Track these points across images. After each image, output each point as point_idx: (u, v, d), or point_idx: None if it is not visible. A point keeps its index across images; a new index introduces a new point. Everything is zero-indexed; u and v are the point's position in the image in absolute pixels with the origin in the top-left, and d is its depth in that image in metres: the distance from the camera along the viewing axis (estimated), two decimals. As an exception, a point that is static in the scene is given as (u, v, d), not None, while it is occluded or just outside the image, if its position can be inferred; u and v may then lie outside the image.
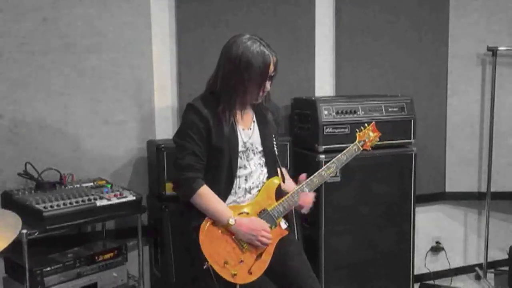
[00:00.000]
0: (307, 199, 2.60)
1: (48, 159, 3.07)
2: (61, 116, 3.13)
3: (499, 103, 4.03)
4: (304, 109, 3.46)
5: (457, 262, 4.38)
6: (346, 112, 3.39)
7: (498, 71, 3.98)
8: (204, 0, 3.41)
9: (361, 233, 3.49)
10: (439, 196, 4.21)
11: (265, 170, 2.59)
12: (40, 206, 2.65)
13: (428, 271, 4.24)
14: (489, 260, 4.24)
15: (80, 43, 3.13)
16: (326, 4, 3.79)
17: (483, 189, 4.15)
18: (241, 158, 2.51)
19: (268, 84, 2.50)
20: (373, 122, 2.86)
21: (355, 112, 3.41)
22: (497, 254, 4.34)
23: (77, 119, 3.17)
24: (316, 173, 2.59)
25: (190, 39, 3.40)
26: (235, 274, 2.40)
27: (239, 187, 2.52)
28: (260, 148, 2.57)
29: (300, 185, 2.56)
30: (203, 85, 3.39)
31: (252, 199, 2.53)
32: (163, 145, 3.10)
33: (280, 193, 2.59)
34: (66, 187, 2.97)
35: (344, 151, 2.69)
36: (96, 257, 2.91)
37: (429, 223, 4.27)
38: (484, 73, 4.08)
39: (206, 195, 2.43)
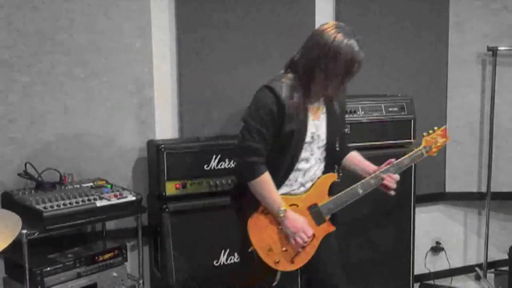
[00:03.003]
0: (391, 183, 2.59)
1: (48, 159, 3.07)
2: (61, 116, 3.12)
3: (499, 103, 4.04)
4: (304, 109, 3.46)
5: (457, 262, 4.38)
6: (346, 112, 3.37)
7: (498, 71, 3.98)
8: (204, 0, 3.41)
9: (361, 233, 3.49)
10: (439, 196, 4.21)
11: (322, 165, 2.57)
12: (40, 206, 2.65)
13: (428, 271, 4.24)
14: (489, 260, 4.25)
15: (80, 43, 3.13)
16: (326, 5, 3.80)
17: (483, 189, 4.15)
18: (305, 149, 2.49)
19: (346, 84, 2.43)
20: (445, 127, 2.68)
21: (355, 112, 3.41)
22: (497, 254, 4.34)
23: (77, 119, 3.17)
24: (373, 174, 2.56)
25: (190, 39, 3.40)
26: (277, 262, 2.47)
27: (296, 180, 2.51)
28: (324, 142, 2.54)
29: (354, 185, 2.55)
30: (203, 85, 3.43)
31: (305, 192, 2.54)
32: (163, 145, 3.09)
33: (333, 189, 2.59)
34: (66, 187, 2.97)
35: (407, 155, 2.60)
36: (96, 257, 2.90)
37: (429, 223, 4.27)
38: (484, 73, 4.09)
39: (265, 182, 2.41)
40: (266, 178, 2.42)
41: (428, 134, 2.64)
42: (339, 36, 2.33)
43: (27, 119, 3.05)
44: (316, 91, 2.46)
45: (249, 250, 2.46)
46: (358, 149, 2.77)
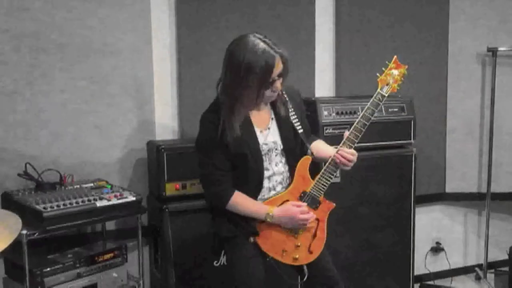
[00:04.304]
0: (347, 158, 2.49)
1: (48, 159, 3.07)
2: (61, 117, 3.12)
3: (499, 103, 4.04)
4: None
5: (457, 263, 4.38)
6: (346, 113, 3.39)
7: (498, 71, 3.98)
8: (204, 0, 3.41)
9: (361, 233, 3.49)
10: (439, 197, 4.21)
11: (287, 167, 2.57)
12: (40, 207, 2.64)
13: (428, 272, 4.24)
14: (489, 260, 4.24)
15: (80, 43, 3.13)
16: (326, 5, 3.80)
17: (483, 189, 4.15)
18: (264, 160, 2.50)
19: (278, 83, 2.39)
20: (395, 56, 2.53)
21: (355, 112, 3.40)
22: (497, 254, 4.34)
23: (77, 119, 3.17)
24: (342, 142, 2.49)
25: (190, 39, 3.40)
26: (296, 258, 2.54)
27: (262, 187, 2.53)
28: (282, 146, 2.54)
29: (330, 159, 2.49)
30: (203, 85, 3.44)
31: (278, 193, 2.54)
32: (163, 146, 3.09)
33: (315, 169, 2.58)
34: (66, 188, 2.97)
35: (368, 105, 2.49)
36: (96, 258, 2.90)
37: (429, 224, 4.27)
38: (484, 73, 4.09)
39: (237, 203, 2.46)
40: (236, 199, 2.46)
41: (382, 72, 2.52)
42: (249, 49, 2.32)
43: (27, 119, 3.05)
44: (249, 106, 2.45)
45: (267, 259, 2.52)
46: (358, 149, 2.76)
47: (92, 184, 3.05)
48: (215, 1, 3.43)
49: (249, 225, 2.49)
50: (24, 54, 3.01)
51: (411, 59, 3.99)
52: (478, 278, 4.30)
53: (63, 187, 2.98)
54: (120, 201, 2.87)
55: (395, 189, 3.55)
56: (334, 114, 3.36)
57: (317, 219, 2.54)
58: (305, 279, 2.57)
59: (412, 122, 3.55)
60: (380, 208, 3.52)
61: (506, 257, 4.05)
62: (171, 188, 3.10)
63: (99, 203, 2.79)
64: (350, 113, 3.39)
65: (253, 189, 2.50)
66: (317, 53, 3.78)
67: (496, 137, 4.06)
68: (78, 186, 3.01)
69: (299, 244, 2.53)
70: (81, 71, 3.15)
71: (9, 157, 3.01)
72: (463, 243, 4.42)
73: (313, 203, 2.53)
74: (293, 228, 2.51)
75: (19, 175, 2.95)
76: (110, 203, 2.83)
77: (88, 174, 3.18)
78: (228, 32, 3.48)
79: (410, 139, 3.56)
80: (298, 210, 2.47)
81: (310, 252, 2.55)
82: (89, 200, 2.79)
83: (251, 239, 2.49)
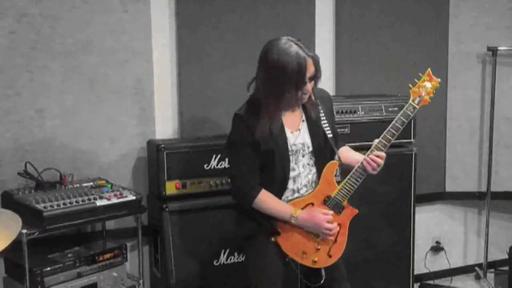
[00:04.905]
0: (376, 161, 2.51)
1: (48, 158, 3.07)
2: (61, 116, 3.13)
3: (499, 103, 4.04)
4: (304, 109, 3.46)
5: (457, 262, 4.38)
6: (346, 112, 3.39)
7: (498, 71, 3.98)
8: (204, 0, 3.41)
9: (361, 233, 3.47)
10: (439, 196, 4.21)
11: (314, 169, 2.58)
12: (40, 206, 2.65)
13: (428, 271, 4.24)
14: (489, 260, 4.25)
15: (79, 43, 3.13)
16: (326, 4, 3.80)
17: (483, 189, 4.15)
18: (291, 160, 2.52)
19: (308, 86, 2.42)
20: (429, 69, 2.57)
21: (355, 112, 3.41)
22: (497, 254, 4.34)
23: (77, 118, 3.17)
24: (370, 150, 2.52)
25: (190, 39, 3.40)
26: (315, 261, 2.55)
27: (286, 188, 2.53)
28: (311, 148, 2.55)
29: (358, 164, 2.52)
30: (203, 85, 3.45)
31: (313, 189, 2.56)
32: (163, 145, 3.10)
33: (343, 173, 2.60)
34: (66, 187, 2.97)
35: (398, 116, 2.51)
36: (96, 257, 2.91)
37: (429, 223, 4.27)
38: (484, 73, 4.09)
39: (263, 201, 2.47)
40: (262, 197, 2.47)
41: (415, 84, 2.54)
42: (282, 50, 2.36)
43: (28, 119, 3.05)
44: (282, 106, 2.47)
45: (286, 259, 2.53)
46: (358, 149, 2.77)
47: (92, 183, 3.05)
48: (215, 1, 3.43)
49: (270, 224, 2.50)
50: (23, 54, 3.01)
51: (411, 59, 4.00)
52: (478, 278, 4.30)
53: (63, 186, 2.98)
54: (120, 200, 2.87)
55: (395, 188, 3.55)
56: (334, 113, 3.35)
57: (339, 224, 2.55)
58: (322, 281, 2.57)
59: (412, 122, 3.55)
60: (380, 208, 3.52)
61: (506, 256, 4.05)
62: (171, 187, 3.10)
63: (99, 202, 2.80)
64: (350, 112, 3.40)
65: (278, 189, 2.51)
66: (317, 53, 3.76)
67: (496, 136, 4.06)
68: (78, 185, 3.01)
69: (319, 247, 2.55)
70: (82, 71, 3.15)
71: (9, 157, 3.01)
72: (463, 243, 4.42)
73: (337, 208, 2.54)
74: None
75: (19, 174, 2.96)
76: (110, 202, 2.83)
77: (88, 173, 3.19)
78: (228, 32, 3.49)
79: (410, 139, 3.56)
80: (324, 218, 2.49)
81: (330, 256, 2.57)
82: (89, 199, 2.79)
83: (273, 238, 2.51)
